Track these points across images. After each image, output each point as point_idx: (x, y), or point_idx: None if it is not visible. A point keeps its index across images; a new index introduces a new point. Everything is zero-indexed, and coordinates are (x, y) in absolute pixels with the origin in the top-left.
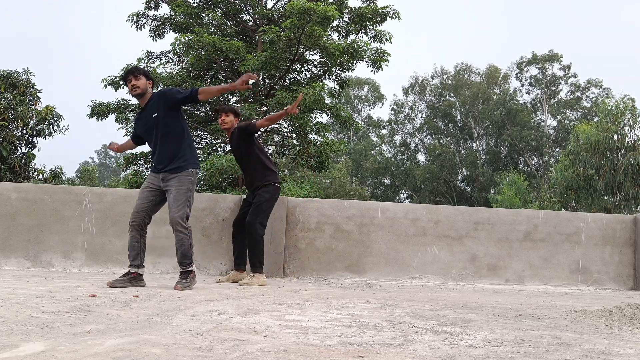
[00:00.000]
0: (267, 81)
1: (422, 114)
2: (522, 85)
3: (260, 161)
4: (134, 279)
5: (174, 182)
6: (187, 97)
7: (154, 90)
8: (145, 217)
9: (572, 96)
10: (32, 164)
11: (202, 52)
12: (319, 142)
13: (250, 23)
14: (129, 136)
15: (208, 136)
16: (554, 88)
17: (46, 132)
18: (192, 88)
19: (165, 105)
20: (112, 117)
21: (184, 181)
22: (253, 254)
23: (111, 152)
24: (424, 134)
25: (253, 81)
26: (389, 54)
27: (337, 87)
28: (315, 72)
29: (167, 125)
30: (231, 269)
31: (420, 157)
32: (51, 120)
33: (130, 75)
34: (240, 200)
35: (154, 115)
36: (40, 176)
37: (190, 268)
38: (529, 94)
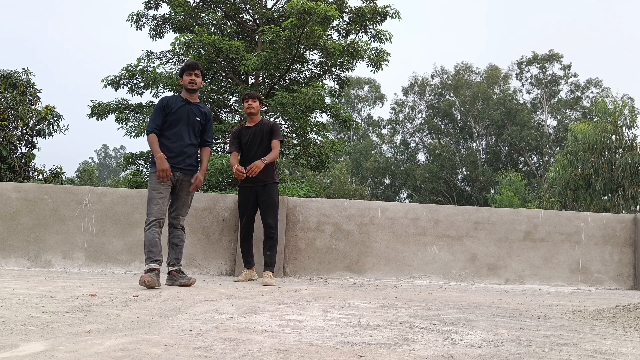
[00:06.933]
0: (267, 81)
1: (422, 114)
2: (522, 85)
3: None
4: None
5: (189, 183)
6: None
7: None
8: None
9: (572, 96)
10: (32, 164)
11: (202, 52)
12: (319, 142)
13: (250, 23)
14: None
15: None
16: (554, 88)
17: (46, 132)
18: (209, 141)
19: (205, 122)
20: (112, 117)
21: None
22: (273, 253)
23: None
24: (424, 133)
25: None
26: (389, 54)
27: (337, 86)
28: (315, 71)
29: (198, 133)
30: (231, 269)
31: (420, 157)
32: (51, 120)
33: (190, 69)
34: None
35: (197, 119)
36: (40, 176)
37: None
38: (529, 93)
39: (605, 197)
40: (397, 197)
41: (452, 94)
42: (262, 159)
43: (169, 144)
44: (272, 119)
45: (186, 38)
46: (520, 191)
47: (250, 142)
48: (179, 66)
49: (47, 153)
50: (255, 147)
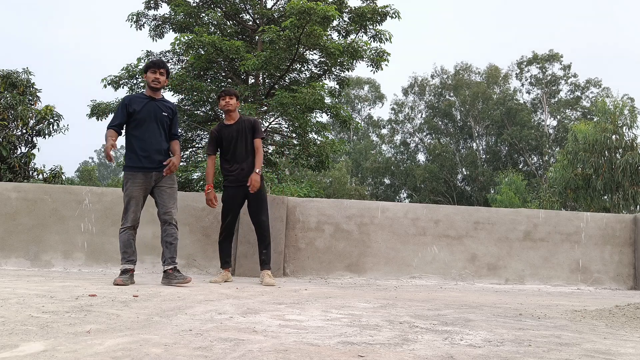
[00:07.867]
0: (267, 81)
1: (422, 114)
2: (522, 85)
3: (254, 156)
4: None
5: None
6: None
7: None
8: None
9: (572, 96)
10: (32, 164)
11: (202, 52)
12: (319, 142)
13: (250, 23)
14: (112, 127)
15: (208, 136)
16: (554, 88)
17: (46, 132)
18: (177, 134)
19: (172, 117)
20: (112, 117)
21: None
22: (269, 251)
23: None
24: (424, 133)
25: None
26: (388, 54)
27: (337, 86)
28: (315, 71)
29: (167, 128)
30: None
31: (420, 157)
32: (51, 120)
33: (155, 67)
34: None
35: (164, 114)
36: (40, 176)
37: None
38: (529, 93)
39: (605, 197)
40: (397, 197)
41: (452, 94)
42: (256, 170)
43: (140, 144)
44: (272, 119)
45: (186, 38)
46: (520, 191)
47: (234, 141)
48: (179, 66)
49: (47, 153)
50: (241, 145)
